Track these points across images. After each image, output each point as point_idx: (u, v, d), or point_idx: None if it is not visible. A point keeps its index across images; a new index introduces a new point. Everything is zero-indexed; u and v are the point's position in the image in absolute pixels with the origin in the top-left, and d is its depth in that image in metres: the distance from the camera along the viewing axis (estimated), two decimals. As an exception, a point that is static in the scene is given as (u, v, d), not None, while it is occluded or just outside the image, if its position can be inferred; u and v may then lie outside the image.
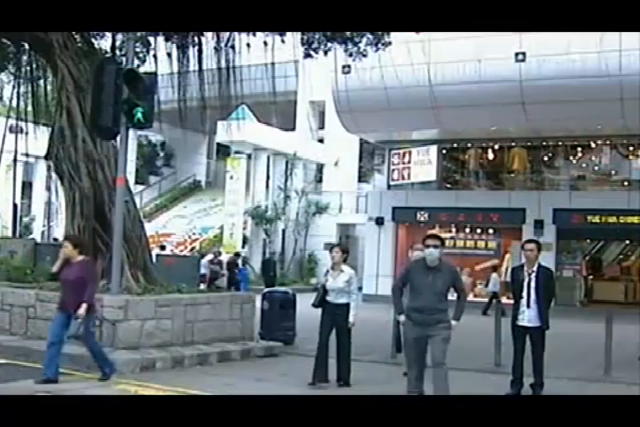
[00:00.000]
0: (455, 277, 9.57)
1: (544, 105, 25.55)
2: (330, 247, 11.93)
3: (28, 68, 19.12)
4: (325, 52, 17.39)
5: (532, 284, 10.59)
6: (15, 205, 32.65)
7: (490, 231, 31.14)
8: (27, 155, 27.17)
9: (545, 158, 31.60)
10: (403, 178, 32.56)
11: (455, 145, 32.45)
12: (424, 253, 9.38)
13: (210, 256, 27.40)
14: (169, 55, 17.61)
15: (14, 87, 20.79)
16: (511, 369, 10.89)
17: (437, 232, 30.25)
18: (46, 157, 15.87)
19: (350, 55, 17.40)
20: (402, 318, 9.39)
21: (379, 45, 17.09)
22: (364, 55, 17.39)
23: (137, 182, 43.91)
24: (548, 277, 10.90)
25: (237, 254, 30.52)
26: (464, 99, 26.37)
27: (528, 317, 10.57)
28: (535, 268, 10.75)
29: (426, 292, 9.09)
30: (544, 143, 30.81)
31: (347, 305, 11.10)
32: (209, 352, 12.85)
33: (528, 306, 10.56)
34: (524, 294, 10.60)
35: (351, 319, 11.11)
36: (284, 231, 39.97)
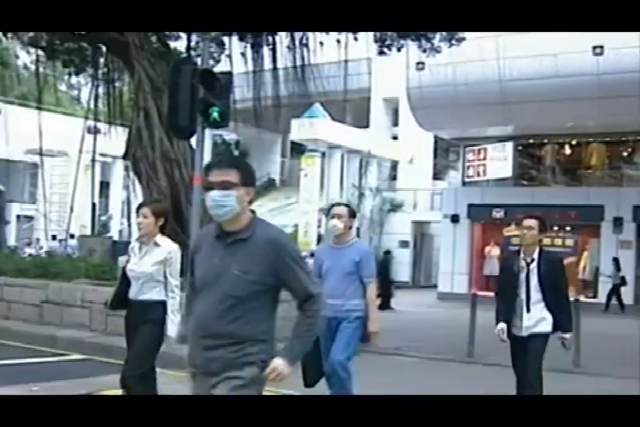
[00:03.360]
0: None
1: (622, 99, 25.02)
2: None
3: (105, 70, 19.48)
4: (399, 49, 17.36)
5: (533, 278, 7.60)
6: (93, 205, 33.27)
7: (568, 228, 30.63)
8: (104, 155, 27.72)
9: (625, 153, 30.99)
10: (478, 175, 32.26)
11: (531, 141, 32.02)
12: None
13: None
14: (243, 54, 17.76)
15: (91, 89, 21.21)
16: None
17: (514, 230, 30.02)
18: (124, 157, 16.16)
19: (424, 51, 17.34)
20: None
21: (453, 41, 16.99)
22: (438, 52, 17.32)
23: (212, 181, 44.22)
24: (555, 266, 7.81)
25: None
26: (538, 95, 26.01)
27: (528, 324, 7.58)
28: (535, 255, 7.65)
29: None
30: (623, 138, 30.20)
31: (162, 304, 6.99)
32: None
33: (528, 308, 7.57)
34: (521, 291, 7.62)
35: (171, 333, 6.87)
36: (358, 229, 39.83)
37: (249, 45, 17.53)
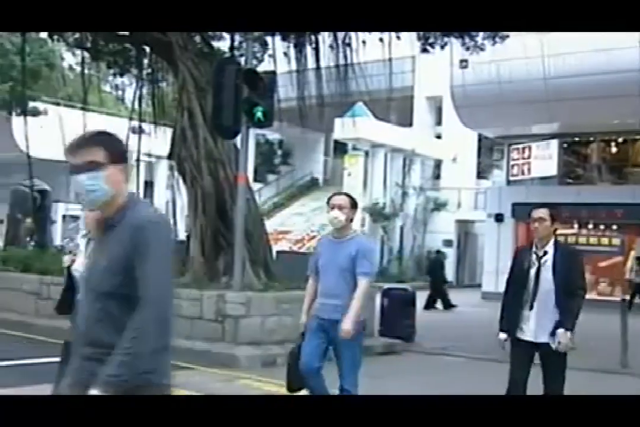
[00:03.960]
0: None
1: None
2: None
3: (149, 70, 19.62)
4: (442, 47, 17.27)
5: (545, 275, 6.71)
6: (138, 204, 33.47)
7: (614, 227, 30.28)
8: (149, 155, 27.91)
9: (672, 151, 30.62)
10: (523, 173, 32.03)
11: (576, 139, 31.72)
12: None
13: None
14: (286, 54, 17.78)
15: (135, 89, 21.36)
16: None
17: (559, 229, 29.73)
18: (169, 157, 16.24)
19: (468, 49, 17.23)
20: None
21: (496, 38, 16.87)
22: (482, 49, 17.20)
23: (255, 181, 44.49)
24: (572, 261, 6.88)
25: None
26: (583, 92, 25.72)
27: (536, 327, 6.69)
28: (549, 248, 6.79)
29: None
30: (671, 135, 29.84)
31: None
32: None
33: (531, 307, 6.74)
34: (529, 290, 6.75)
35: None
36: (402, 228, 39.81)
37: (291, 45, 17.53)
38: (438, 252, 27.28)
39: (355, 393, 7.14)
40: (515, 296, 6.82)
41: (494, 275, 30.89)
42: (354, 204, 7.34)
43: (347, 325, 6.80)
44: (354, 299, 6.87)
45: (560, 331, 6.52)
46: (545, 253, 6.74)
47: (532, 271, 6.74)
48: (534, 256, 6.79)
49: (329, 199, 7.48)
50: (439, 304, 23.94)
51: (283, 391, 9.63)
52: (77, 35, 18.92)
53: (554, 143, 30.91)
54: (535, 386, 6.50)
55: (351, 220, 7.29)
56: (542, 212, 6.84)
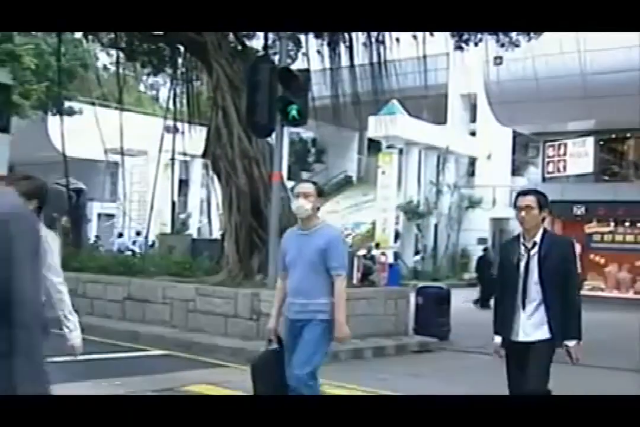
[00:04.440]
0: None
1: None
2: None
3: (183, 70, 19.72)
4: (476, 44, 17.18)
5: (534, 267, 5.98)
6: (173, 203, 33.70)
7: (652, 224, 30.00)
8: (184, 154, 28.04)
9: None
10: (558, 171, 31.79)
11: (613, 135, 31.41)
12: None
13: (363, 251, 27.53)
14: (319, 52, 17.78)
15: (170, 88, 21.49)
16: None
17: (596, 227, 29.49)
18: (203, 156, 16.31)
19: (502, 45, 17.13)
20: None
21: (531, 34, 16.75)
22: (516, 46, 17.10)
23: (289, 179, 44.53)
24: (562, 252, 6.09)
25: (376, 245, 30.71)
26: (620, 88, 25.46)
27: (525, 326, 6.02)
28: (538, 238, 6.07)
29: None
30: None
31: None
32: (363, 346, 12.89)
33: (523, 305, 6.00)
34: (519, 285, 6.01)
35: (74, 340, 6.19)
36: (436, 226, 39.70)
37: (325, 43, 17.53)
38: (485, 249, 26.74)
39: (311, 385, 6.46)
40: (506, 293, 6.12)
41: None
42: (320, 192, 6.75)
43: (342, 333, 6.39)
44: (337, 299, 6.33)
45: (571, 343, 5.93)
46: (535, 244, 6.02)
47: (522, 265, 6.01)
48: (522, 248, 6.06)
49: (293, 187, 7.18)
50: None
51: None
52: (111, 35, 19.06)
53: (590, 140, 30.65)
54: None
55: (318, 209, 6.70)
56: (529, 200, 6.18)
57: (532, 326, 5.95)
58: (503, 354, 6.21)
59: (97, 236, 35.04)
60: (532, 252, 5.99)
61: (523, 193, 6.35)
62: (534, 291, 5.94)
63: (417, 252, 37.96)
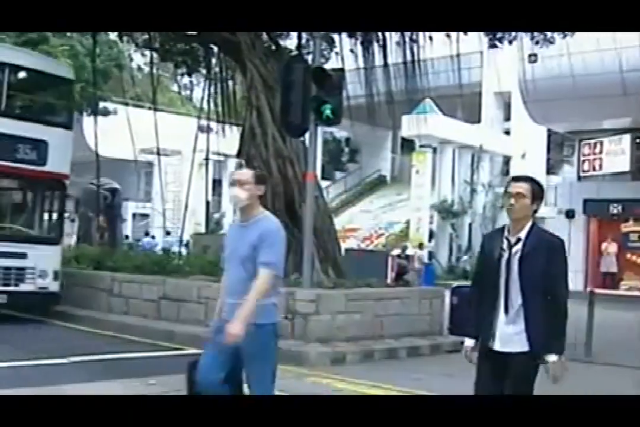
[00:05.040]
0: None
1: None
2: None
3: (217, 69, 19.78)
4: (511, 42, 17.06)
5: (514, 267, 5.12)
6: (207, 202, 33.85)
7: (690, 223, 29.67)
8: (217, 153, 28.16)
9: None
10: (594, 169, 31.52)
11: (650, 134, 31.10)
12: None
13: (397, 251, 27.47)
14: (352, 51, 17.76)
15: (204, 88, 21.57)
16: None
17: (632, 226, 29.17)
18: (238, 155, 16.34)
19: (537, 43, 16.99)
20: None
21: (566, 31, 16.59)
22: (551, 43, 16.94)
23: (323, 178, 44.54)
24: (549, 251, 5.12)
25: (420, 245, 30.59)
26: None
27: (503, 333, 5.15)
28: (523, 233, 5.18)
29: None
30: None
31: None
32: (398, 346, 12.86)
33: (506, 310, 5.13)
34: (500, 285, 5.16)
35: None
36: (470, 225, 39.50)
37: (358, 42, 17.50)
38: None
39: None
40: (485, 293, 5.27)
41: (565, 272, 30.46)
42: (260, 179, 5.88)
43: (233, 328, 5.37)
44: (252, 293, 5.43)
45: (552, 358, 4.93)
46: (519, 240, 5.15)
47: (503, 262, 5.16)
48: (505, 243, 5.19)
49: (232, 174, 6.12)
50: None
51: (352, 387, 9.66)
52: (146, 36, 19.17)
53: (627, 138, 30.35)
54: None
55: (259, 197, 5.85)
56: (522, 187, 5.20)
57: (510, 335, 5.09)
58: (475, 360, 5.37)
59: (126, 236, 35.28)
60: (515, 249, 5.13)
61: (516, 178, 5.40)
62: (516, 293, 5.09)
63: (467, 251, 37.32)
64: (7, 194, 17.06)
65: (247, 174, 5.84)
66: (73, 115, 17.13)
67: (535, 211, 5.23)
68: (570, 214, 31.05)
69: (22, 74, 16.29)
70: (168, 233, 34.03)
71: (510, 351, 5.06)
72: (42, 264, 15.30)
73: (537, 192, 5.22)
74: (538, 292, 5.02)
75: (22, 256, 15.02)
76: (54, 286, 15.52)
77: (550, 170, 43.08)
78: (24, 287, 15.09)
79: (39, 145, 15.37)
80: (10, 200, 17.17)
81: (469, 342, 5.41)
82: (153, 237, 34.10)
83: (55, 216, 16.35)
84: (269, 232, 5.62)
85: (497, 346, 5.15)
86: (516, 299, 5.08)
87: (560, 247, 5.20)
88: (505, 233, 5.23)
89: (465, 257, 37.45)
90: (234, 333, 5.32)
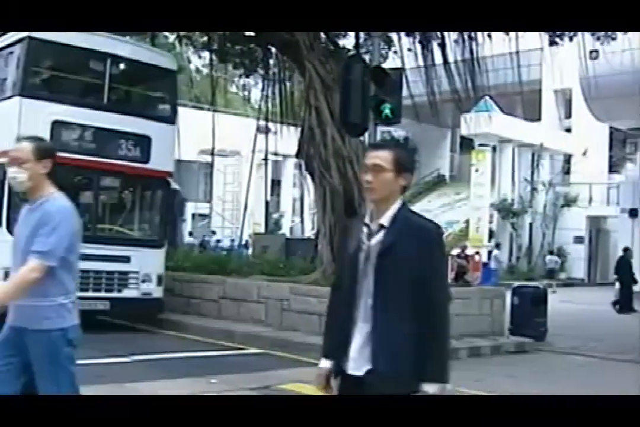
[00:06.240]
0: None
1: None
2: None
3: (275, 70, 19.85)
4: (571, 38, 16.85)
5: (372, 264, 3.67)
6: (266, 202, 34.02)
7: None
8: (275, 154, 28.29)
9: None
10: (658, 167, 31.06)
11: None
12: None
13: (457, 250, 27.33)
14: (410, 50, 17.69)
15: (262, 89, 21.66)
16: None
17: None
18: (297, 155, 16.38)
19: (598, 39, 16.76)
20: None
21: (629, 26, 16.33)
22: (613, 39, 16.70)
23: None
24: (420, 246, 3.62)
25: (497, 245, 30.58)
26: None
27: (355, 352, 3.69)
28: (386, 220, 3.72)
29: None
30: None
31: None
32: (459, 346, 12.76)
33: (365, 321, 3.70)
34: (356, 289, 3.74)
35: None
36: (531, 225, 39.15)
37: (416, 41, 17.43)
38: (626, 250, 24.33)
39: None
40: (341, 300, 3.93)
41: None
42: (42, 154, 4.60)
43: None
44: (15, 280, 4.44)
45: (432, 389, 3.53)
46: (382, 228, 3.70)
47: (361, 259, 3.73)
48: (365, 232, 3.76)
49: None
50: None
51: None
52: (204, 37, 19.30)
53: (692, 135, 29.85)
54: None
55: (48, 175, 4.65)
56: (381, 157, 3.73)
57: (364, 354, 3.65)
58: (330, 390, 3.90)
59: (189, 233, 35.63)
60: (375, 240, 3.69)
61: (373, 146, 4.35)
62: (371, 297, 3.70)
63: (551, 252, 36.14)
64: (108, 194, 15.60)
65: (25, 149, 4.57)
66: (177, 108, 16.16)
67: (405, 188, 3.82)
68: (633, 213, 30.61)
69: (123, 65, 15.30)
70: (213, 233, 34.23)
71: (361, 374, 3.63)
72: (146, 268, 14.28)
73: (404, 162, 3.77)
74: (402, 297, 3.61)
75: (126, 259, 14.02)
76: (157, 292, 14.50)
77: (613, 168, 42.50)
78: (127, 293, 14.11)
79: (142, 141, 14.39)
80: (111, 200, 15.78)
81: (324, 363, 3.91)
82: (214, 232, 34.30)
83: (158, 216, 15.26)
84: (48, 215, 4.49)
85: (351, 367, 3.69)
86: (372, 302, 3.68)
87: (437, 236, 3.83)
88: (366, 219, 3.80)
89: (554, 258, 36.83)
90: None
